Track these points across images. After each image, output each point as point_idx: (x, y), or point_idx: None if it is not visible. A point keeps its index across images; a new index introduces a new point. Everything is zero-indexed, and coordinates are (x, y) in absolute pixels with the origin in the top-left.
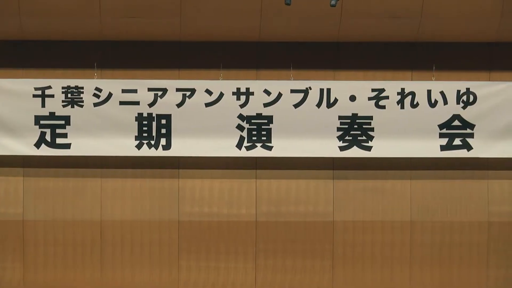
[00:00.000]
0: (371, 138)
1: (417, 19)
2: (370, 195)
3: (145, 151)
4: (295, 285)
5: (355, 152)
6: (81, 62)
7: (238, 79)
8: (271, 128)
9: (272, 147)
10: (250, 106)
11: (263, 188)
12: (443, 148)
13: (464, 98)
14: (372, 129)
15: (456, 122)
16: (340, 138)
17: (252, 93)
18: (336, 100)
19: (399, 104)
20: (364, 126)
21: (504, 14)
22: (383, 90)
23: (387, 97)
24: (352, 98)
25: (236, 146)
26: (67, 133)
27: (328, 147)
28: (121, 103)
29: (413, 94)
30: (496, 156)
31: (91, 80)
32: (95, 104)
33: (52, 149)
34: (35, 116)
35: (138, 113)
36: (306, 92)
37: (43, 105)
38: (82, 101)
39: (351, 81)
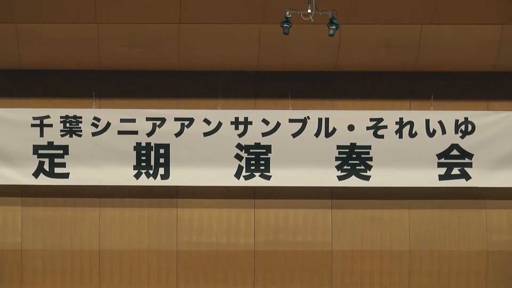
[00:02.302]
0: (369, 167)
1: (415, 48)
2: (369, 224)
3: (144, 181)
4: None
5: (353, 181)
6: (80, 91)
7: (236, 108)
8: (269, 158)
9: (270, 176)
10: (249, 136)
11: (262, 217)
12: (441, 177)
13: (463, 127)
14: (370, 159)
15: (455, 152)
16: (338, 167)
17: (251, 123)
18: (334, 130)
19: (398, 134)
20: (362, 156)
21: (502, 44)
22: (381, 119)
23: (385, 127)
24: (351, 128)
25: (235, 175)
26: (65, 163)
27: (327, 176)
28: (120, 132)
29: (411, 123)
30: (495, 186)
31: (89, 109)
32: (94, 134)
33: (51, 178)
34: (33, 145)
35: (137, 143)
36: (304, 121)
37: (41, 135)
38: (81, 131)
39: (349, 110)
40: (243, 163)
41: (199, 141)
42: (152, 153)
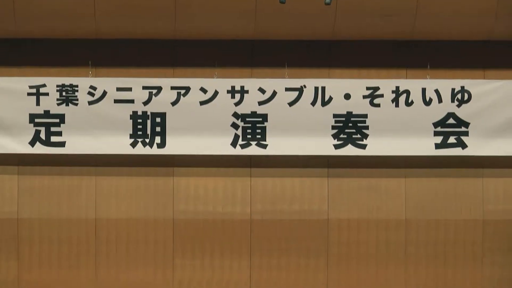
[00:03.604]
0: (365, 136)
1: (411, 17)
2: (365, 193)
3: (140, 149)
4: (290, 284)
5: (349, 150)
6: (76, 60)
7: (233, 77)
8: (265, 126)
9: (266, 145)
10: (245, 105)
11: (258, 186)
12: (437, 146)
13: (459, 96)
14: (366, 127)
15: (451, 120)
16: (334, 136)
17: (247, 91)
18: (330, 99)
19: (394, 103)
20: (358, 124)
21: (499, 12)
22: (377, 88)
23: (381, 96)
24: (347, 97)
25: (231, 144)
26: (61, 131)
27: (323, 145)
28: (116, 101)
29: (407, 92)
30: (491, 154)
31: (85, 78)
32: (90, 103)
33: (47, 147)
34: (29, 114)
35: (133, 111)
36: (300, 90)
37: (37, 104)
38: (77, 99)
39: (345, 79)
40: (239, 132)
41: (195, 110)
42: (149, 122)
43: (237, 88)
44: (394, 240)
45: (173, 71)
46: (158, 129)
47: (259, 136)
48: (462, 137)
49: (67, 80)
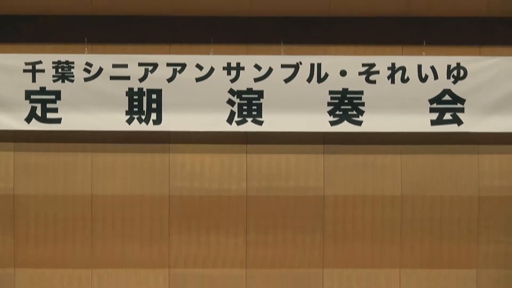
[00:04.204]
0: (361, 112)
1: None
2: (361, 170)
3: (136, 126)
4: (286, 260)
5: (345, 126)
6: (72, 37)
7: (229, 54)
8: (261, 103)
9: (262, 121)
10: (241, 81)
11: (254, 163)
12: (433, 122)
13: (455, 73)
14: (362, 104)
15: (447, 97)
16: (330, 113)
17: (243, 68)
18: (326, 75)
19: (390, 79)
20: (354, 101)
21: None
22: (373, 65)
23: (377, 72)
24: (343, 73)
25: (227, 120)
26: (57, 108)
27: (319, 121)
28: (112, 78)
29: (403, 69)
30: (487, 131)
31: (81, 55)
32: (86, 79)
33: (43, 124)
34: (25, 91)
35: (129, 88)
36: (296, 67)
37: (33, 80)
38: (73, 76)
39: (341, 56)
40: (235, 109)
41: (191, 87)
42: (144, 98)
43: (233, 64)
44: (390, 216)
45: (169, 48)
46: (154, 105)
47: (255, 113)
48: (458, 114)
49: (63, 57)
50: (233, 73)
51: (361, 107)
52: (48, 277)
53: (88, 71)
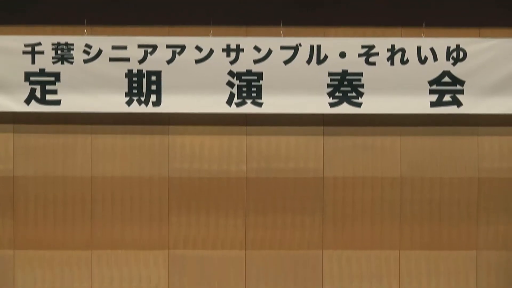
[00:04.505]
0: (361, 94)
1: None
2: (360, 152)
3: (135, 108)
4: (285, 242)
5: (345, 108)
6: (71, 19)
7: (228, 35)
8: (261, 85)
9: (262, 103)
10: (240, 63)
11: (253, 144)
12: (433, 104)
13: (454, 54)
14: (362, 86)
15: (446, 79)
16: (330, 94)
17: (242, 50)
18: (326, 57)
19: (389, 61)
20: (354, 83)
21: None
22: (373, 46)
23: (377, 54)
24: (342, 55)
25: (226, 102)
26: (57, 90)
27: (318, 103)
28: (111, 59)
29: (403, 50)
30: (486, 113)
31: (81, 37)
32: (85, 61)
33: (42, 105)
34: (25, 72)
35: (128, 70)
36: (296, 48)
37: (33, 62)
38: (72, 58)
39: (341, 37)
40: (234, 90)
41: (190, 68)
42: (144, 80)
43: (233, 46)
44: (389, 198)
45: (169, 30)
46: (153, 87)
47: (255, 95)
48: (458, 95)
49: (62, 39)
50: (233, 54)
51: (360, 89)
52: (48, 258)
53: (88, 53)
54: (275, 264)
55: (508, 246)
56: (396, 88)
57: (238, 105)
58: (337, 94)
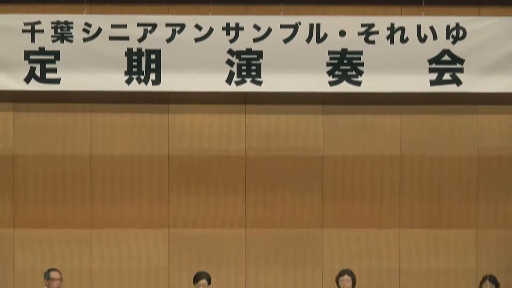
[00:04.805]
0: (360, 73)
1: None
2: (360, 130)
3: (135, 86)
4: (285, 220)
5: (344, 87)
6: None
7: (228, 14)
8: (260, 63)
9: (261, 82)
10: (240, 41)
11: (253, 123)
12: (432, 83)
13: (454, 33)
14: (361, 64)
15: (446, 57)
16: (329, 73)
17: (242, 28)
18: (325, 35)
19: (389, 39)
20: (353, 61)
21: None
22: (372, 25)
23: (376, 32)
24: (342, 33)
25: (226, 81)
26: (56, 68)
27: (318, 82)
28: (111, 38)
29: (402, 29)
30: (486, 91)
31: (80, 15)
32: (85, 40)
33: (42, 84)
34: (24, 51)
35: (128, 48)
36: (295, 27)
37: (32, 40)
38: (72, 36)
39: (340, 16)
40: (234, 69)
41: (190, 47)
42: (143, 58)
43: (232, 25)
44: (389, 176)
45: (168, 8)
46: (153, 66)
47: (254, 73)
48: (457, 74)
49: (62, 17)
50: (232, 33)
51: (360, 68)
52: (47, 237)
53: (87, 32)
54: (274, 242)
55: (508, 225)
56: (396, 67)
57: (237, 83)
58: (336, 72)
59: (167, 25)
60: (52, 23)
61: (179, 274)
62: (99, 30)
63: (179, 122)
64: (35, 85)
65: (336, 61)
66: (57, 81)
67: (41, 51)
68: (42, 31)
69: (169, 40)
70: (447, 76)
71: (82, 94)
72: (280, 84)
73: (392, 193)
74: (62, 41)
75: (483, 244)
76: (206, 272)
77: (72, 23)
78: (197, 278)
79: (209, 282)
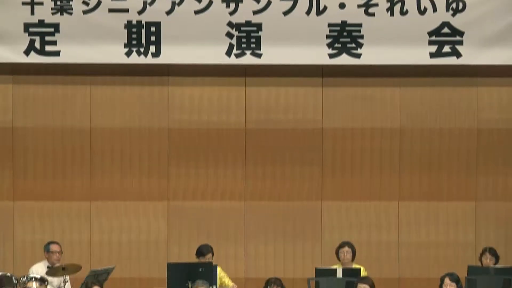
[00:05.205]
0: (360, 45)
1: None
2: (359, 103)
3: (135, 59)
4: (284, 193)
5: (344, 59)
6: None
7: None
8: (260, 36)
9: (261, 54)
10: (240, 14)
11: (253, 95)
12: (432, 55)
13: (454, 5)
14: (361, 37)
15: (446, 30)
16: (329, 45)
17: (241, 1)
18: (325, 8)
19: (389, 12)
20: (353, 34)
21: None
22: None
23: (376, 5)
24: (342, 6)
25: (226, 53)
26: (56, 41)
27: (318, 54)
28: (110, 10)
29: (402, 1)
30: (485, 63)
31: None
32: (84, 12)
33: (42, 56)
34: (24, 23)
35: (127, 21)
36: None
37: (32, 13)
38: (71, 9)
39: None
40: (234, 41)
41: (190, 19)
42: (143, 31)
43: None
44: (388, 149)
45: None
46: (152, 38)
47: (254, 46)
48: (457, 46)
49: None
50: (232, 5)
51: (360, 40)
52: (47, 209)
53: (87, 4)
54: (274, 215)
55: (507, 197)
56: (396, 39)
57: (237, 56)
58: (336, 45)
59: None
60: None
61: (179, 246)
62: (99, 3)
63: (178, 94)
64: (34, 58)
65: (335, 34)
66: (56, 53)
67: (41, 23)
68: (41, 3)
69: (168, 13)
70: (446, 49)
71: (81, 67)
72: (280, 57)
73: (392, 165)
74: (61, 14)
75: (482, 216)
76: (209, 245)
77: None
78: (202, 252)
79: (212, 255)
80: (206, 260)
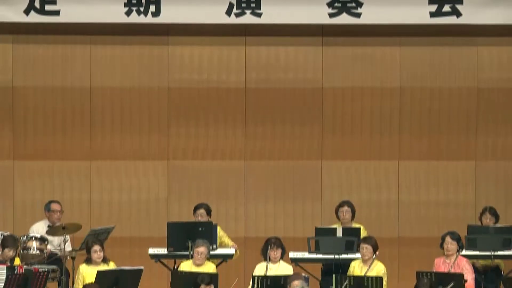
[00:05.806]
0: (360, 4)
1: None
2: (359, 62)
3: (134, 18)
4: (284, 152)
5: (344, 18)
6: None
7: None
8: None
9: (261, 13)
10: None
11: (252, 55)
12: (432, 14)
13: None
14: None
15: None
16: (329, 4)
17: None
18: None
19: None
20: None
21: None
22: None
23: None
24: None
25: (225, 13)
26: (56, 0)
27: (318, 14)
28: None
29: None
30: (485, 23)
31: None
32: None
33: (41, 15)
34: None
35: None
36: None
37: None
38: None
39: None
40: (233, 0)
41: None
42: None
43: None
44: (389, 108)
45: None
46: None
47: (254, 5)
48: (457, 5)
49: None
50: None
51: None
52: (47, 169)
53: None
54: (274, 174)
55: (507, 156)
56: None
57: (237, 15)
58: (336, 4)
59: None
60: None
61: (179, 205)
62: None
63: (178, 54)
64: (34, 17)
65: None
66: (56, 12)
67: None
68: None
69: None
70: (446, 8)
71: (81, 26)
72: (280, 16)
73: (392, 125)
74: None
75: (482, 175)
76: (206, 203)
77: None
78: (194, 209)
79: (208, 213)
80: (198, 216)
